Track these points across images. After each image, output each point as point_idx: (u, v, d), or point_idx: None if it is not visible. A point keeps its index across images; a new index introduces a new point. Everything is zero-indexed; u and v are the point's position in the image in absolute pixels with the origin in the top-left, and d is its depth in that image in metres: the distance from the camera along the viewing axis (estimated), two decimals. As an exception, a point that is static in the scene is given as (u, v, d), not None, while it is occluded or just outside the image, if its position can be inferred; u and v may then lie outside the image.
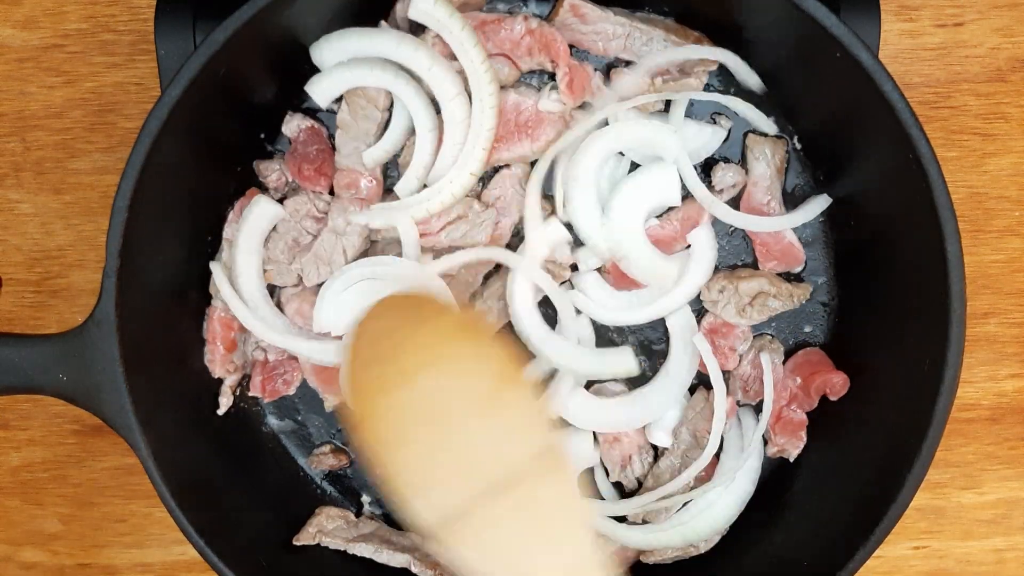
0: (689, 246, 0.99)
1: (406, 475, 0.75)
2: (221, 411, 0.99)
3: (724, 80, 0.99)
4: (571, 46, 0.97)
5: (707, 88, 0.98)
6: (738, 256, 1.01)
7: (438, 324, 0.82)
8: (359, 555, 0.99)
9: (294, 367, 1.01)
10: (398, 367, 0.78)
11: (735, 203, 1.00)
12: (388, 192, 0.98)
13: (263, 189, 0.99)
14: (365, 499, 1.05)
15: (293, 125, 0.98)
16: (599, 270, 1.00)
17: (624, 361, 1.00)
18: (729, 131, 1.00)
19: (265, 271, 0.98)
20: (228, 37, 0.84)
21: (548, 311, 1.00)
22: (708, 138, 0.99)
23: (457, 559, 0.73)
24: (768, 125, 0.99)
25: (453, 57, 0.93)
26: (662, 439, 0.99)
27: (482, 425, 0.76)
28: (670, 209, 0.99)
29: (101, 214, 1.07)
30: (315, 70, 0.95)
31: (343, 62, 0.94)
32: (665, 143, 0.96)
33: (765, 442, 1.01)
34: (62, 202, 1.08)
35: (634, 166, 0.99)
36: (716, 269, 1.00)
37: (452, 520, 0.73)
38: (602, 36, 0.97)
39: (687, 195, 0.98)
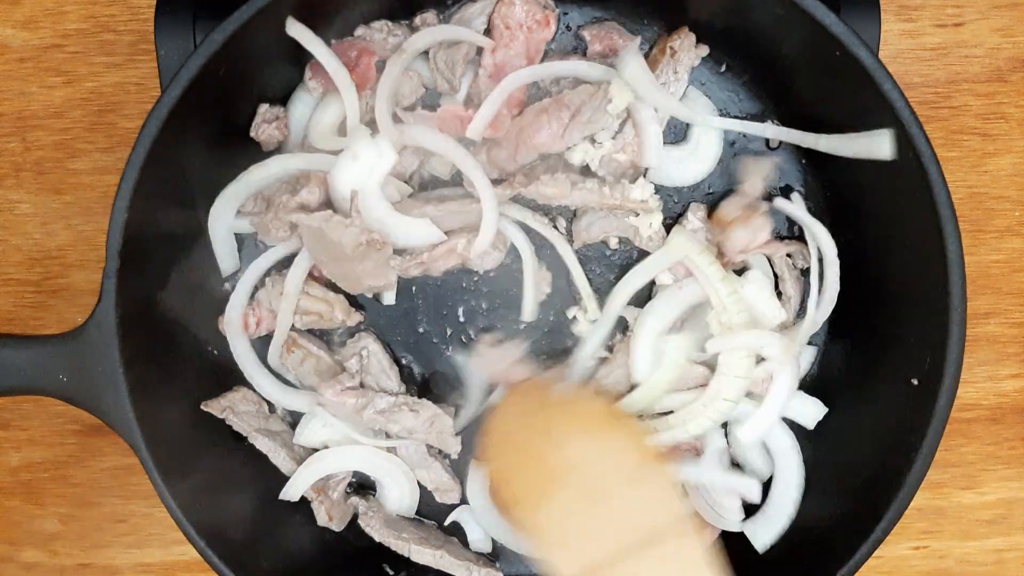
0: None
1: (549, 532, 0.85)
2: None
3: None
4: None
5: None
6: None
7: (583, 407, 0.93)
8: (255, 447, 0.99)
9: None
10: (546, 440, 0.89)
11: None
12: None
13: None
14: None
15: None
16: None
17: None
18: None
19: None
20: (227, 37, 0.84)
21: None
22: None
23: None
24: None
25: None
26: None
27: (624, 492, 0.85)
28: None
29: (101, 214, 1.07)
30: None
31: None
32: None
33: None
34: (62, 202, 1.08)
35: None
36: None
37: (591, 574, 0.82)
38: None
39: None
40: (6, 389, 0.87)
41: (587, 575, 0.83)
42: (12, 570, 1.12)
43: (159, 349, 0.92)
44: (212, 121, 0.93)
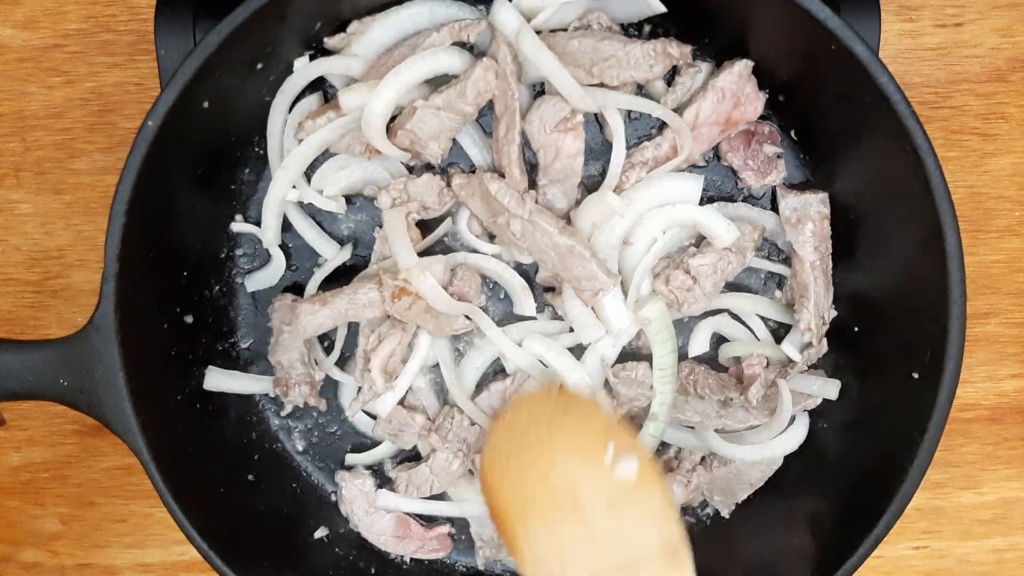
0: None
1: (534, 551, 0.85)
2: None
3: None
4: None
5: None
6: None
7: (584, 419, 0.92)
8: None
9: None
10: (539, 452, 0.88)
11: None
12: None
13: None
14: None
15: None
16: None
17: None
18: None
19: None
20: (225, 37, 0.84)
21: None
22: None
23: None
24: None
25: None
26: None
27: (612, 513, 0.84)
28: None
29: (101, 214, 1.07)
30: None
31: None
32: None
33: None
34: (62, 202, 1.08)
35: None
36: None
37: None
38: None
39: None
40: (6, 394, 0.86)
41: None
42: (12, 570, 1.12)
43: (160, 352, 0.92)
44: (211, 122, 0.93)
